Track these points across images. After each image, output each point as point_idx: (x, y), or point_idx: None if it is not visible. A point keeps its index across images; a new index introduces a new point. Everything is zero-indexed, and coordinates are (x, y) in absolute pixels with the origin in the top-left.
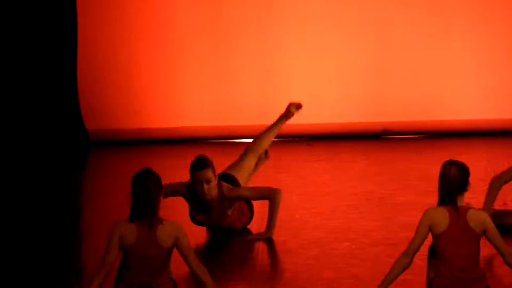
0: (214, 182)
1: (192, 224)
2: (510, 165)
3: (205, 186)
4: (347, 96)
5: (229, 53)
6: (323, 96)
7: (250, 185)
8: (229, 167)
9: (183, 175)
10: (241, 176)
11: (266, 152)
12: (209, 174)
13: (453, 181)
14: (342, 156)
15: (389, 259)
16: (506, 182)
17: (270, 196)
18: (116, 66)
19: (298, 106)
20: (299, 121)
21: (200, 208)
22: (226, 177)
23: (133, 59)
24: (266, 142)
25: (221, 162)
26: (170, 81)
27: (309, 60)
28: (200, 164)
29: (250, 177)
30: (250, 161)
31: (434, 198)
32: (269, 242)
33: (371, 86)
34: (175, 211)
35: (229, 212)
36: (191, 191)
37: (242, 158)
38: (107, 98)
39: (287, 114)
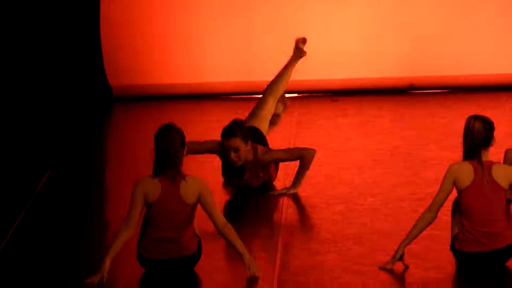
0: (244, 149)
1: (217, 180)
2: None
3: (233, 154)
4: (373, 51)
5: (249, 7)
6: (347, 51)
7: (273, 140)
8: (251, 116)
9: (206, 131)
10: (264, 125)
11: (284, 100)
12: (237, 142)
13: (477, 136)
14: (367, 111)
15: (414, 214)
16: None
17: (303, 154)
18: (139, 22)
19: (304, 40)
20: (324, 76)
21: (233, 168)
22: (253, 131)
23: (156, 14)
24: (282, 85)
25: (242, 116)
26: (193, 36)
27: (332, 14)
28: (228, 132)
29: (272, 126)
30: (270, 104)
31: (460, 153)
32: (294, 197)
33: (397, 40)
34: (201, 166)
35: (261, 174)
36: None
37: (262, 104)
38: (131, 54)
39: (298, 52)
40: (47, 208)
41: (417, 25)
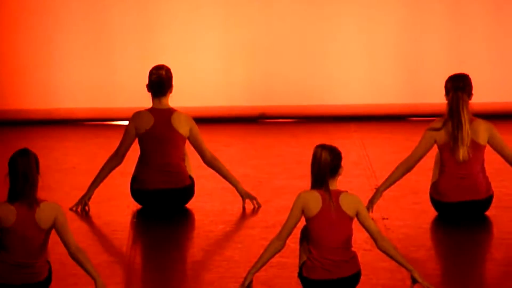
0: None
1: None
2: (384, 148)
3: None
4: (223, 80)
5: (105, 33)
6: (201, 79)
7: None
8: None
9: (62, 157)
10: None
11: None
12: None
13: (324, 165)
14: (218, 139)
15: (264, 242)
16: (415, 162)
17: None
18: None
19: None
20: (175, 104)
21: None
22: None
23: (8, 38)
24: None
25: (98, 142)
26: (46, 62)
27: (187, 41)
28: None
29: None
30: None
31: (310, 182)
32: (144, 224)
33: (248, 69)
34: (54, 192)
35: None
36: None
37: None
38: None
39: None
40: None
41: (268, 54)
